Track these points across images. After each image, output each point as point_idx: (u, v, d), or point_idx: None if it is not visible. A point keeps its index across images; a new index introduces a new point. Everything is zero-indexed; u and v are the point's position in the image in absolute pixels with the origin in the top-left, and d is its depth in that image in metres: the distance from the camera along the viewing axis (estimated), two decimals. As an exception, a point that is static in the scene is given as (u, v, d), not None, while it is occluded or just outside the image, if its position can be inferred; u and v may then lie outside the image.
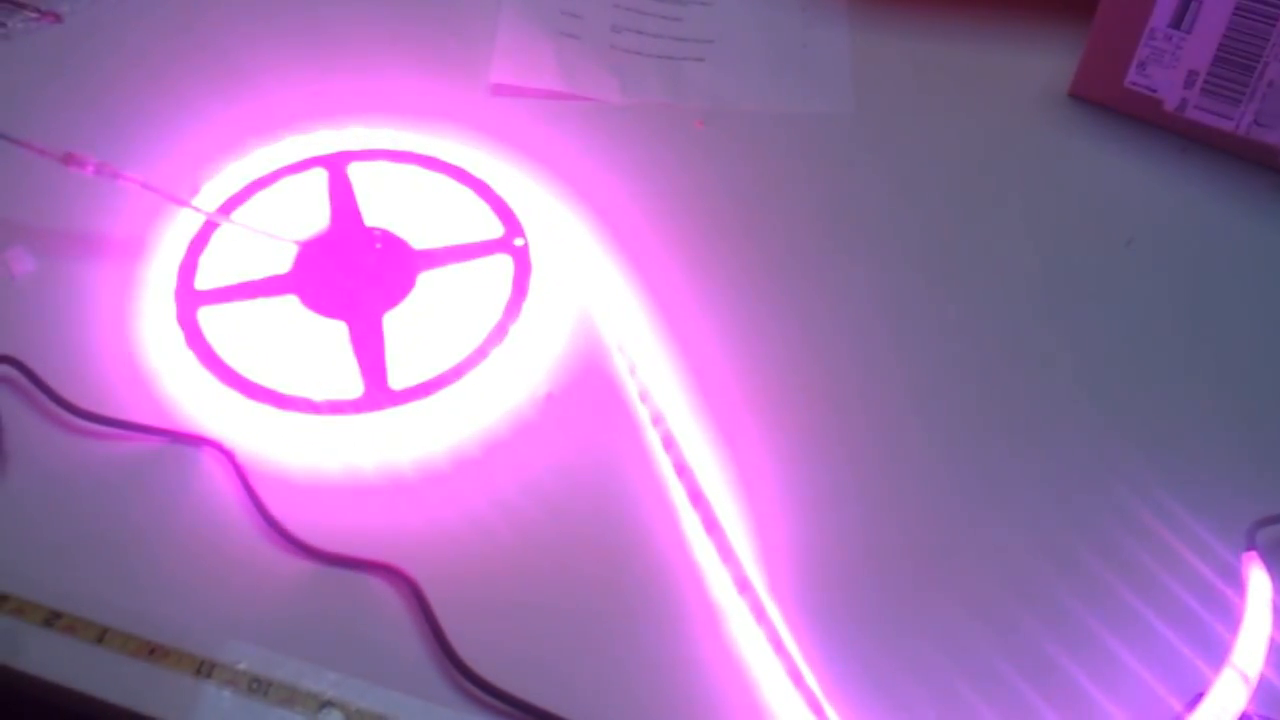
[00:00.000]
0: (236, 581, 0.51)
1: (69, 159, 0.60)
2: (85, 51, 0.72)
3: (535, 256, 0.62)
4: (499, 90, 0.71)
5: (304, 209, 0.64)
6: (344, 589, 0.51)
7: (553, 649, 0.49)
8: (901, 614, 0.50)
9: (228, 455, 0.54)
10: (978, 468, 0.55)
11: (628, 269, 0.62)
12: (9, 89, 0.70)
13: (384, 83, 0.71)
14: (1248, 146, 0.67)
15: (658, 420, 0.56)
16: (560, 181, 0.66)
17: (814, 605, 0.50)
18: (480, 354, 0.58)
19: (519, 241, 0.63)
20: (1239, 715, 0.47)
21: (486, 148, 0.67)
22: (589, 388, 0.58)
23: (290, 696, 0.47)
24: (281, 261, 0.62)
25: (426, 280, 0.61)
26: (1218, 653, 0.49)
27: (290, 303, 0.60)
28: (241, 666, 0.48)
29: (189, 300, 0.60)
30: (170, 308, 0.60)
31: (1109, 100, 0.70)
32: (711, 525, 0.52)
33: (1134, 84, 0.69)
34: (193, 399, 0.56)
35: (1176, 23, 0.66)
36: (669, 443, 0.55)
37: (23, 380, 0.56)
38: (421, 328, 0.59)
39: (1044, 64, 0.73)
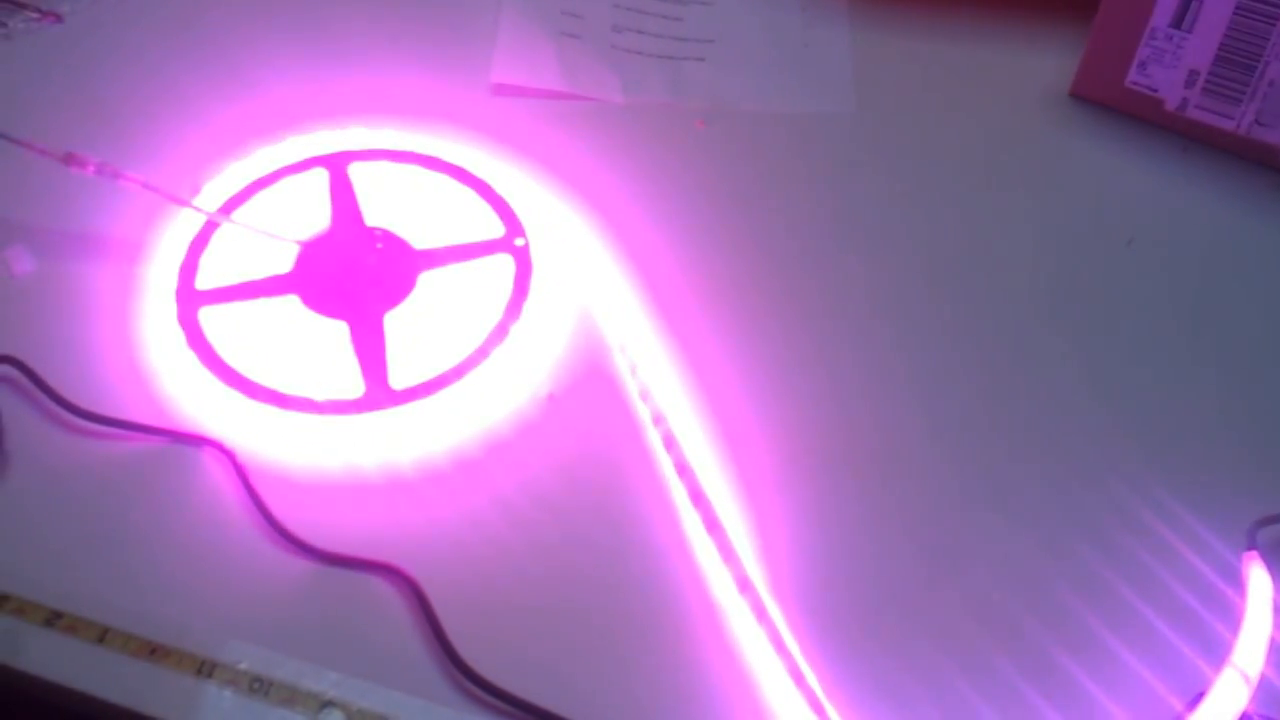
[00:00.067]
0: (237, 581, 0.51)
1: (70, 159, 0.60)
2: (86, 51, 0.72)
3: (536, 256, 0.62)
4: (500, 90, 0.71)
5: (305, 209, 0.64)
6: (345, 589, 0.51)
7: (554, 649, 0.49)
8: (902, 613, 0.50)
9: (229, 455, 0.54)
10: (978, 467, 0.55)
11: (629, 269, 0.62)
12: (10, 89, 0.70)
13: (385, 82, 0.71)
14: (1249, 146, 0.67)
15: (659, 420, 0.56)
16: (561, 181, 0.66)
17: (815, 605, 0.50)
18: (481, 354, 0.58)
19: (520, 241, 0.63)
20: (1240, 715, 0.47)
21: (487, 147, 0.67)
22: (590, 387, 0.58)
23: (291, 696, 0.47)
24: (282, 261, 0.62)
25: (427, 280, 0.61)
26: (1218, 652, 0.49)
27: (291, 303, 0.60)
28: (242, 666, 0.48)
29: (190, 300, 0.60)
30: (171, 308, 0.60)
31: (1110, 100, 0.70)
32: (712, 525, 0.52)
33: (1135, 84, 0.69)
34: (194, 399, 0.56)
35: (1177, 22, 0.66)
36: (670, 442, 0.55)
37: (23, 380, 0.56)
38: (422, 327, 0.59)
39: (1045, 64, 0.73)
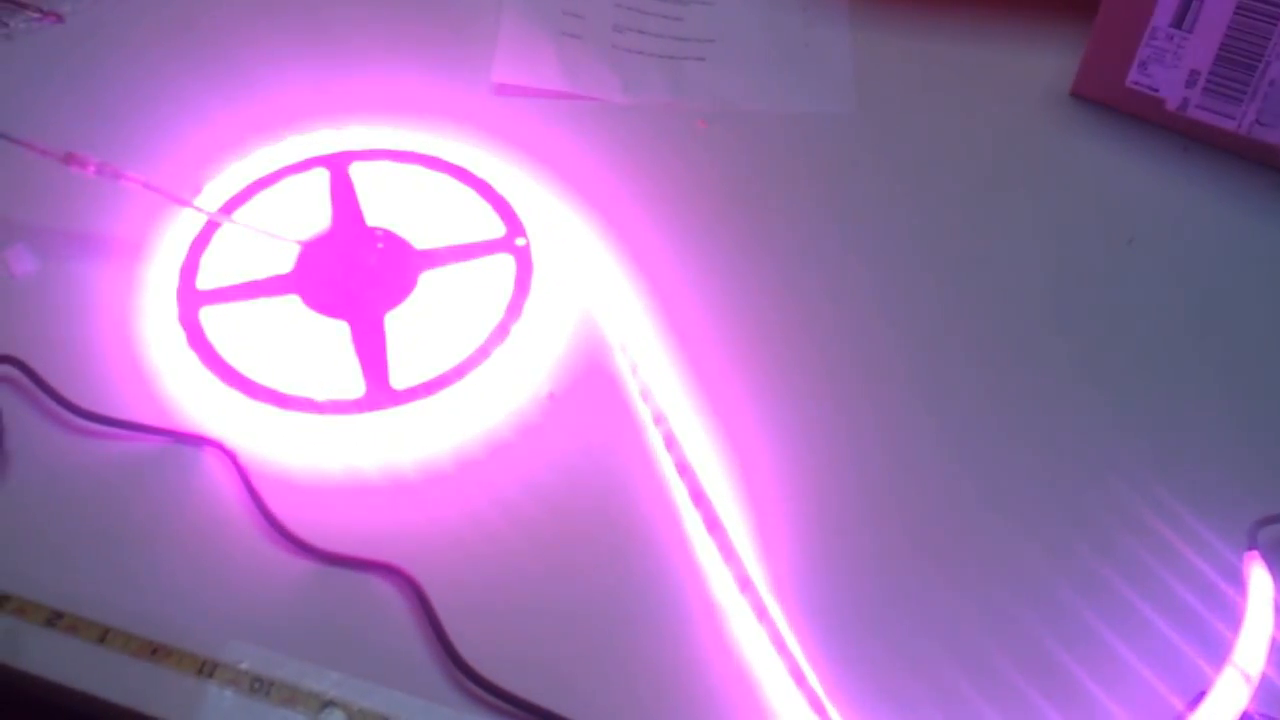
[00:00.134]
0: (238, 581, 0.51)
1: (70, 159, 0.60)
2: (87, 51, 0.72)
3: (537, 256, 0.62)
4: (501, 90, 0.71)
5: (306, 209, 0.64)
6: (346, 589, 0.51)
7: (554, 648, 0.49)
8: (903, 612, 0.50)
9: (229, 455, 0.54)
10: (979, 466, 0.55)
11: (630, 268, 0.62)
12: (11, 88, 0.70)
13: (386, 82, 0.71)
14: (1249, 146, 0.67)
15: (659, 419, 0.56)
16: (562, 181, 0.66)
17: (815, 604, 0.50)
18: (482, 354, 0.58)
19: (521, 241, 0.63)
20: (1240, 714, 0.47)
21: (488, 147, 0.67)
22: (591, 387, 0.58)
23: (292, 696, 0.47)
24: (283, 261, 0.62)
25: (428, 280, 0.61)
26: (1219, 652, 0.49)
27: (292, 302, 0.60)
28: (243, 666, 0.48)
29: (191, 300, 0.60)
30: (172, 307, 0.60)
31: (1111, 99, 0.70)
32: (713, 524, 0.52)
33: (1136, 83, 0.69)
34: (194, 399, 0.57)
35: (1178, 22, 0.66)
36: (671, 442, 0.55)
37: (24, 380, 0.56)
38: (423, 327, 0.59)
39: (1046, 63, 0.73)
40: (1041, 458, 0.56)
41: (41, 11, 0.74)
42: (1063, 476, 0.55)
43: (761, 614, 0.50)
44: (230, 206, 0.64)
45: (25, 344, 0.57)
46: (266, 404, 0.56)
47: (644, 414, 0.56)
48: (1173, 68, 0.67)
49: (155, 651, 0.48)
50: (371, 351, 0.58)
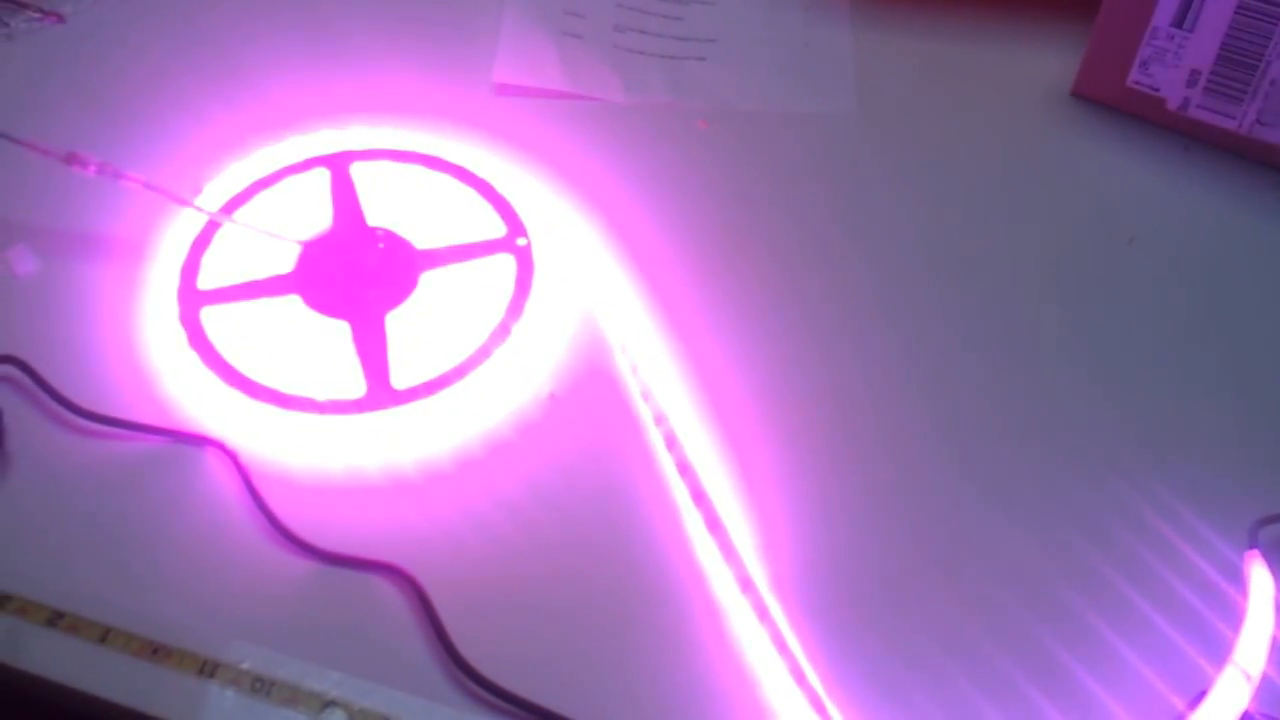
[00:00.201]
0: (239, 581, 0.51)
1: (71, 159, 0.60)
2: (88, 51, 0.72)
3: (538, 256, 0.62)
4: (502, 90, 0.72)
5: (306, 208, 0.64)
6: (347, 589, 0.51)
7: (555, 648, 0.49)
8: (904, 612, 0.50)
9: (230, 455, 0.54)
10: (980, 465, 0.55)
11: (630, 268, 0.62)
12: (11, 89, 0.70)
13: (386, 82, 0.71)
14: (1250, 145, 0.67)
15: (660, 419, 0.56)
16: (563, 181, 0.66)
17: (816, 604, 0.50)
18: (483, 354, 0.58)
19: (522, 241, 0.63)
20: (1241, 714, 0.47)
21: (489, 147, 0.67)
22: (592, 387, 0.58)
23: (293, 696, 0.47)
24: (284, 261, 0.62)
25: (429, 280, 0.61)
26: (1220, 651, 0.49)
27: (293, 302, 0.60)
28: (245, 666, 0.48)
29: (191, 300, 0.60)
30: (173, 307, 0.60)
31: (1111, 99, 0.70)
32: (714, 524, 0.52)
33: (1136, 83, 0.69)
34: (195, 399, 0.57)
35: (1179, 22, 0.66)
36: (671, 442, 0.55)
37: (25, 380, 0.56)
38: (424, 327, 0.59)
39: (1046, 63, 0.73)
40: (1042, 457, 0.56)
41: (43, 11, 0.74)
42: (1063, 475, 0.55)
43: (762, 614, 0.50)
44: (231, 206, 0.64)
45: (26, 344, 0.57)
46: (267, 404, 0.56)
47: (645, 414, 0.56)
48: (1173, 67, 0.67)
49: (156, 651, 0.48)
50: (372, 351, 0.58)
